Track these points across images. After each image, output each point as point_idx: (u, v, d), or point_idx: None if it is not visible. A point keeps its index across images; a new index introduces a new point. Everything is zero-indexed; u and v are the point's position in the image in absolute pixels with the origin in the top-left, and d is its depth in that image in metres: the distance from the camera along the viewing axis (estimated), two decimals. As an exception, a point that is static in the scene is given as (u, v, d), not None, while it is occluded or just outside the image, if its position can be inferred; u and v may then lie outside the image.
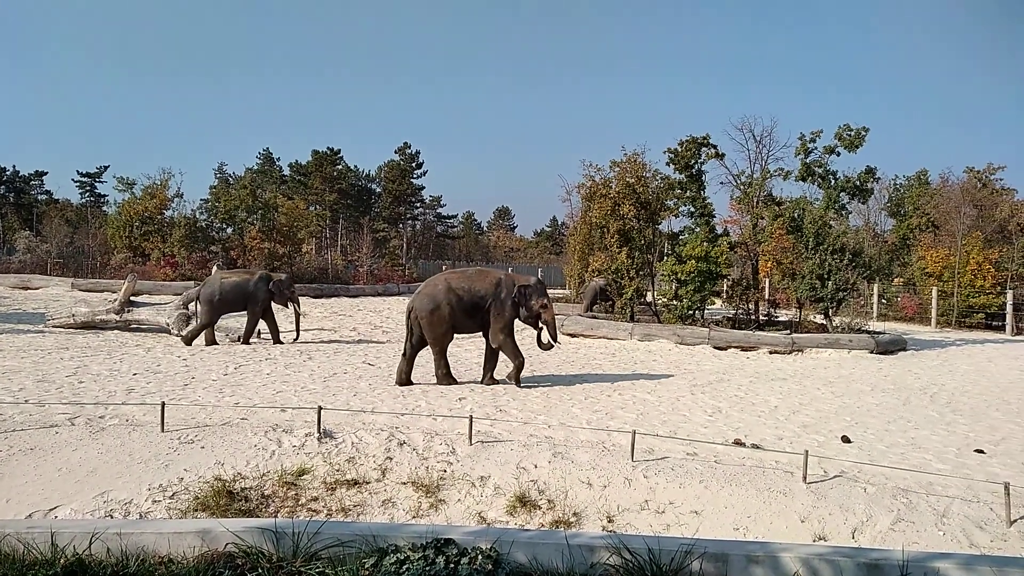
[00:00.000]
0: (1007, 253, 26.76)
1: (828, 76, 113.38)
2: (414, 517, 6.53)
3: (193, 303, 16.95)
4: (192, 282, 23.35)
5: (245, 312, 15.05)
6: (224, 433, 7.73)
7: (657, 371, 12.82)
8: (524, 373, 11.33)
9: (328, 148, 51.67)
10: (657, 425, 8.60)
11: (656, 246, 19.89)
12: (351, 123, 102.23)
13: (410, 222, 55.18)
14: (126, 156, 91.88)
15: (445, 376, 10.91)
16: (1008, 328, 21.97)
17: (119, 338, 14.96)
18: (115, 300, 16.57)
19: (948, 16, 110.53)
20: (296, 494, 6.80)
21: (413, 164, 52.48)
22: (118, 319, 16.05)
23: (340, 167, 52.55)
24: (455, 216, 62.89)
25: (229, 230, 30.42)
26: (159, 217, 29.86)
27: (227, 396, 9.57)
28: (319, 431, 7.70)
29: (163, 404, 7.83)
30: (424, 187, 54.07)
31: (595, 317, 18.76)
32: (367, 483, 7.03)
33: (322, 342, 15.29)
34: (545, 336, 10.91)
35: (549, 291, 11.73)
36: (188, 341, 14.41)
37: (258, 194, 30.30)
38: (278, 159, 57.46)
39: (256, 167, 55.20)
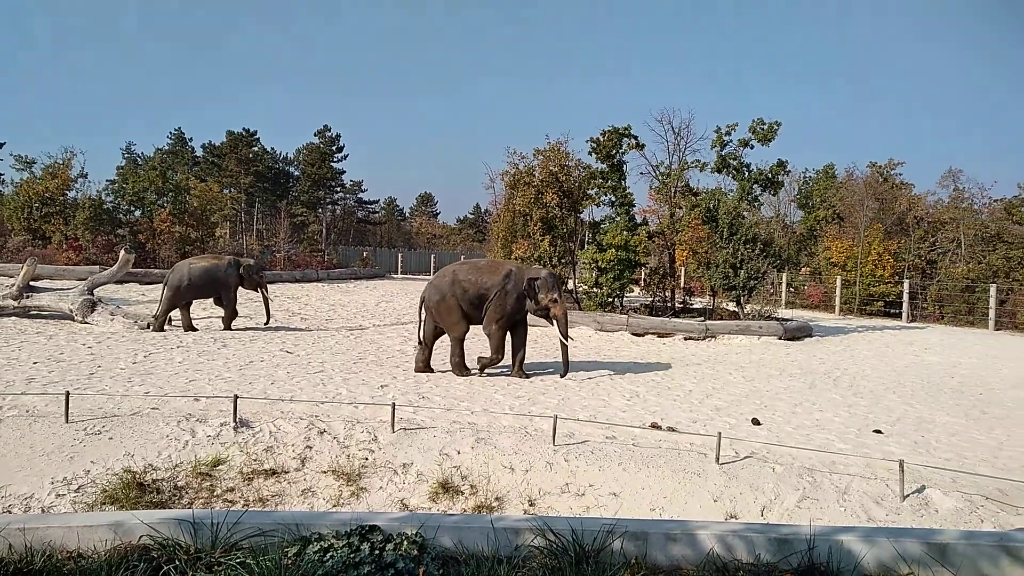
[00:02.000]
0: (905, 244, 28.39)
1: (744, 70, 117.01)
2: (335, 506, 6.46)
3: (97, 289, 16.20)
4: (97, 267, 22.22)
5: (211, 298, 15.23)
6: (134, 423, 7.43)
7: (577, 357, 13.02)
8: (443, 363, 11.35)
9: (244, 129, 50.09)
10: (578, 410, 8.76)
11: (578, 234, 20.16)
12: (268, 104, 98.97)
13: (330, 207, 53.97)
14: (24, 133, 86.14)
15: (459, 365, 10.82)
16: (904, 315, 23.33)
17: (17, 325, 14.12)
18: (13, 285, 15.62)
19: (862, 12, 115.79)
20: (211, 485, 6.62)
21: (333, 147, 51.28)
22: (16, 305, 15.13)
23: (256, 149, 50.96)
24: (376, 201, 61.90)
25: (137, 213, 28.94)
26: (61, 198, 28.23)
27: (136, 385, 9.19)
28: (235, 420, 7.51)
29: (67, 394, 7.46)
30: (345, 171, 52.91)
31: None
32: (286, 472, 6.91)
33: (237, 329, 14.84)
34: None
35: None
36: (158, 329, 14.17)
37: (169, 176, 29.00)
38: (190, 140, 55.32)
39: (167, 147, 52.96)
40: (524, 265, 11.63)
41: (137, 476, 6.49)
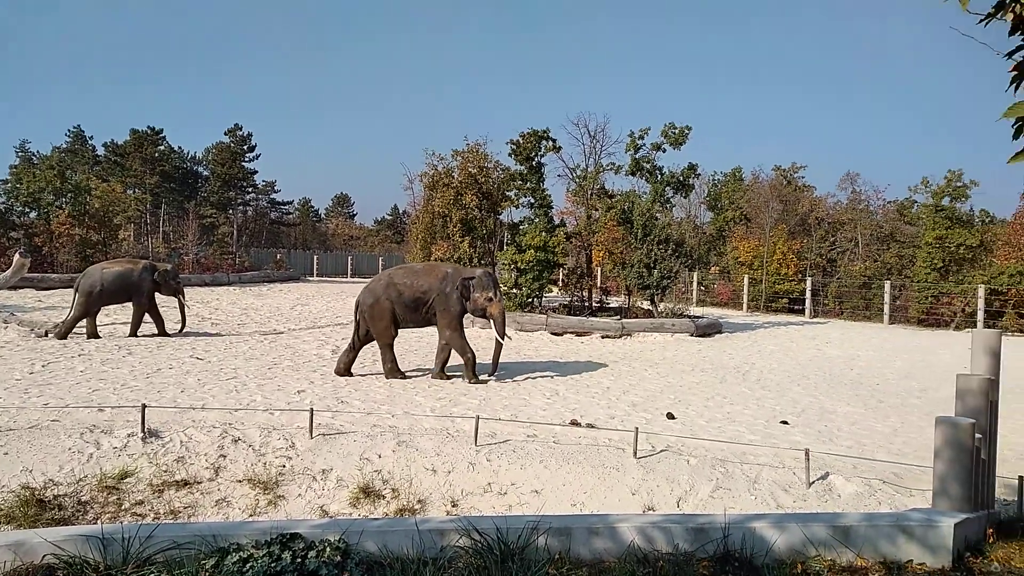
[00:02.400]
0: (807, 244, 29.83)
1: (656, 74, 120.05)
2: (251, 515, 6.30)
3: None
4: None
5: (128, 303, 14.80)
6: (32, 437, 7.03)
7: (498, 358, 13.09)
8: (362, 367, 11.20)
9: (149, 127, 48.06)
10: (499, 409, 8.81)
11: (497, 235, 20.25)
12: (175, 101, 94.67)
13: (241, 208, 52.32)
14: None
15: (392, 371, 10.71)
16: (807, 311, 24.48)
17: None
18: None
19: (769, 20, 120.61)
20: (118, 499, 6.34)
21: (245, 147, 49.74)
22: None
23: (162, 148, 48.99)
24: (291, 202, 60.25)
25: (33, 214, 27.32)
26: (-52, 200, 26.42)
27: (34, 396, 8.69)
28: (143, 431, 7.21)
29: (-44, 408, 7.00)
30: (257, 171, 51.37)
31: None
32: (199, 483, 6.69)
33: (143, 336, 14.22)
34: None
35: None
36: (62, 336, 13.44)
37: (68, 175, 27.50)
38: (91, 138, 52.67)
39: (65, 146, 50.26)
40: (461, 266, 11.66)
41: (36, 492, 6.14)
